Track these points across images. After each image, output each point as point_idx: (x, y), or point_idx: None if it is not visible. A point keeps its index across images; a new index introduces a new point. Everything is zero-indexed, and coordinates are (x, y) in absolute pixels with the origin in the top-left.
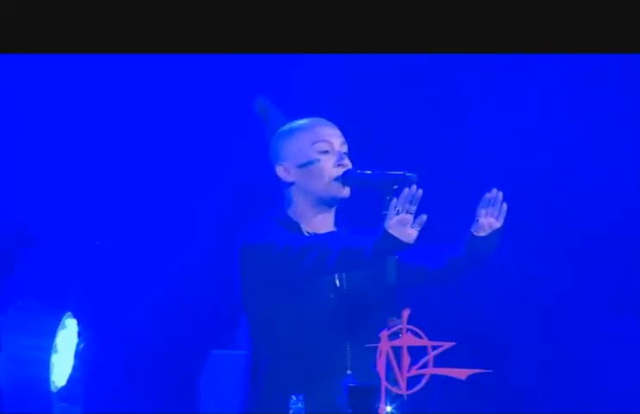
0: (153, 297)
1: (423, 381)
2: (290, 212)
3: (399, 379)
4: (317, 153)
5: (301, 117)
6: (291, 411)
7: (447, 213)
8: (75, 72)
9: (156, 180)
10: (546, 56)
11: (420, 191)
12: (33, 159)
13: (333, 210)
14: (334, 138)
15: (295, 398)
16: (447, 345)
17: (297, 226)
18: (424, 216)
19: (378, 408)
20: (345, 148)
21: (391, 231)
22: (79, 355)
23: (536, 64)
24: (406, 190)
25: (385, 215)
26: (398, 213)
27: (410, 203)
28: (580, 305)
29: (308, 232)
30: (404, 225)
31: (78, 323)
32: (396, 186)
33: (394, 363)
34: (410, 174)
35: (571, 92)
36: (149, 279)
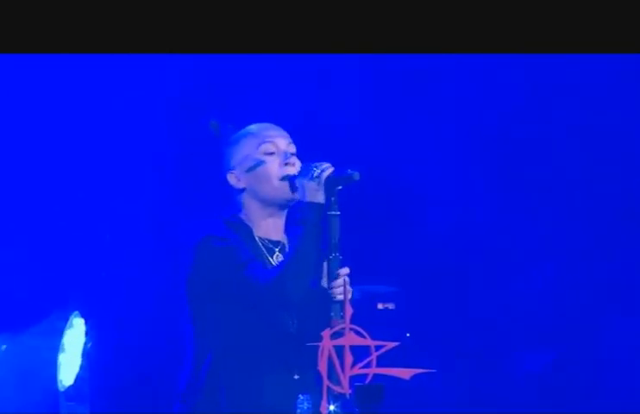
0: (162, 296)
1: (367, 380)
2: (242, 215)
3: (341, 378)
4: (263, 155)
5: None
6: (298, 411)
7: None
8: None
9: (157, 181)
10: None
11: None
12: (31, 158)
13: (284, 215)
14: (279, 139)
15: (302, 397)
16: (390, 345)
17: (248, 229)
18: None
19: (380, 408)
20: (292, 149)
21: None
22: (87, 354)
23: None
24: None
25: (330, 215)
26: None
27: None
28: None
29: (259, 236)
30: (313, 189)
31: (86, 322)
32: (340, 187)
33: (336, 362)
34: (353, 173)
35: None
36: (158, 279)
